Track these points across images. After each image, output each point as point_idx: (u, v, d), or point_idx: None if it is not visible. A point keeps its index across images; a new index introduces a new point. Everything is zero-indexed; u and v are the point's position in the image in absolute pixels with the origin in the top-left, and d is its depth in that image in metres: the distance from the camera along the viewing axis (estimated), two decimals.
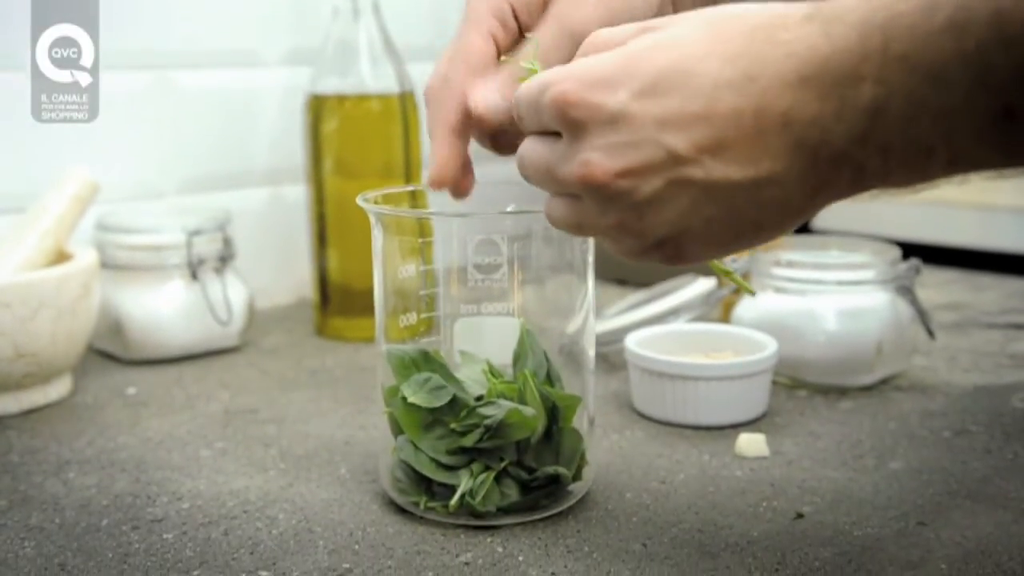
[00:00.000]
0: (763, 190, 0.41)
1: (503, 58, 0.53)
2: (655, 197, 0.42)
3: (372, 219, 0.59)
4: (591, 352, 0.61)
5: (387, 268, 0.59)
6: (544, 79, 0.44)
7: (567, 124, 0.43)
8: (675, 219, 0.42)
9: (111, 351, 0.88)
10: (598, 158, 0.42)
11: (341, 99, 0.92)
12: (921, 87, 0.37)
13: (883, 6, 0.38)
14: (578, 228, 0.45)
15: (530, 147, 0.46)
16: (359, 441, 0.70)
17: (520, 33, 0.57)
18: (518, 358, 0.58)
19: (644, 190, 0.42)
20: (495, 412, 0.55)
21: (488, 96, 0.52)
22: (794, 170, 0.40)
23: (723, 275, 0.53)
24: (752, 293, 0.57)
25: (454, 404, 0.56)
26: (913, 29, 0.37)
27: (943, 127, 0.38)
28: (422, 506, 0.57)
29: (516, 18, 0.56)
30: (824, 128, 0.39)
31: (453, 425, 0.56)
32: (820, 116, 0.39)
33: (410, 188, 0.64)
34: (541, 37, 0.54)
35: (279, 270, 1.05)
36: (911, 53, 0.37)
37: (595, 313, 0.61)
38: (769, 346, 0.74)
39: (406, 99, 0.92)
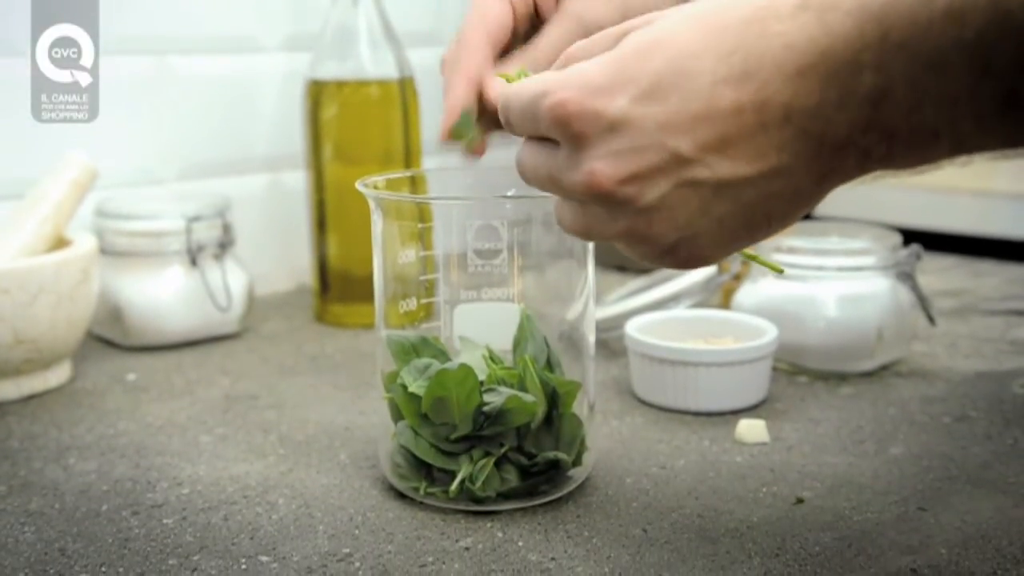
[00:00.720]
0: (771, 183, 0.41)
1: (497, 73, 0.53)
2: (663, 202, 0.41)
3: (372, 204, 0.58)
4: (591, 338, 0.61)
5: (387, 254, 0.59)
6: (539, 87, 0.43)
7: (567, 134, 0.42)
8: (685, 222, 0.42)
9: (111, 337, 0.88)
10: (602, 166, 0.41)
11: (340, 85, 0.91)
12: (922, 75, 0.37)
13: None
14: (588, 235, 0.45)
15: (529, 154, 0.45)
16: (359, 427, 0.70)
17: (536, 13, 0.57)
18: (518, 344, 0.58)
19: (651, 195, 0.41)
20: (495, 398, 0.55)
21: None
22: (800, 160, 0.40)
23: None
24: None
25: None
26: (912, 18, 0.36)
27: (946, 113, 0.37)
28: (422, 491, 0.57)
29: None
30: (827, 118, 0.39)
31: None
32: (822, 106, 0.39)
33: (410, 173, 0.64)
34: (554, 32, 0.54)
35: (279, 256, 1.05)
36: (910, 42, 0.37)
37: (595, 299, 0.61)
38: (769, 332, 0.74)
39: (405, 85, 0.92)
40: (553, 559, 0.52)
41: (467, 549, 0.53)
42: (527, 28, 0.58)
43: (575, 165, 0.42)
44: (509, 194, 0.58)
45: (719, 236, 0.43)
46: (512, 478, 0.56)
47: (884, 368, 0.80)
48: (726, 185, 0.41)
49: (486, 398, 0.55)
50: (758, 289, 0.81)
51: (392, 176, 0.62)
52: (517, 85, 0.45)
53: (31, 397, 0.75)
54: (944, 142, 0.39)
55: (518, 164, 0.46)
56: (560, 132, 0.42)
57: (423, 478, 0.58)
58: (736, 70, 0.39)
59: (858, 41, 0.37)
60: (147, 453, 0.66)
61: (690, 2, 0.43)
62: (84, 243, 0.78)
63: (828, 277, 0.78)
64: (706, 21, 0.40)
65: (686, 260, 0.44)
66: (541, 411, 0.56)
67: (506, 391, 0.55)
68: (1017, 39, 0.35)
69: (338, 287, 0.94)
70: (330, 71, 0.91)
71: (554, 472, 0.58)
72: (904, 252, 0.80)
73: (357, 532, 0.55)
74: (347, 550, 0.53)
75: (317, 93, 0.92)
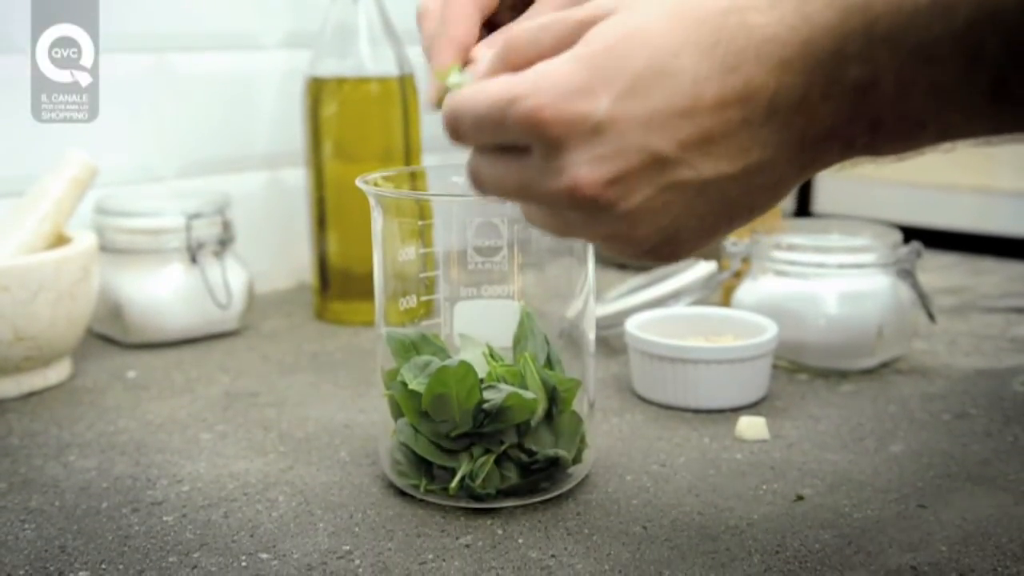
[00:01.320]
0: (755, 177, 0.40)
1: (435, 73, 0.50)
2: (647, 205, 0.40)
3: (372, 201, 0.58)
4: (591, 335, 0.60)
5: (387, 251, 0.59)
6: (501, 93, 0.40)
7: (544, 140, 0.39)
8: (668, 223, 0.41)
9: (111, 335, 0.88)
10: (585, 172, 0.39)
11: (340, 82, 0.91)
12: (910, 65, 0.37)
13: None
14: (564, 235, 0.43)
15: (489, 165, 0.42)
16: (359, 424, 0.70)
17: None
18: (518, 341, 0.58)
19: (634, 199, 0.40)
20: (495, 395, 0.55)
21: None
22: (783, 153, 0.39)
23: None
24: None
25: None
26: (898, 8, 0.36)
27: (933, 103, 0.37)
28: (422, 489, 0.57)
29: None
30: (811, 110, 0.38)
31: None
32: (806, 98, 0.38)
33: (410, 170, 0.64)
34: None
35: (278, 254, 1.05)
36: (897, 33, 0.36)
37: (595, 296, 0.61)
38: (769, 329, 0.74)
39: (406, 82, 0.92)
40: (553, 556, 0.52)
41: (467, 546, 0.53)
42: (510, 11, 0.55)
43: (554, 172, 0.40)
44: None
45: (701, 232, 0.42)
46: (512, 475, 0.56)
47: (884, 365, 0.80)
48: (710, 184, 0.40)
49: (486, 395, 0.55)
50: (758, 286, 0.81)
51: (392, 172, 0.62)
52: (467, 93, 0.41)
53: (31, 394, 0.75)
54: (930, 131, 0.38)
55: (473, 177, 0.43)
56: (535, 138, 0.40)
57: (423, 475, 0.57)
58: (718, 65, 0.38)
59: (841, 32, 0.37)
60: (147, 450, 0.66)
61: None
62: (84, 240, 0.78)
63: (829, 274, 0.78)
64: (682, 13, 0.39)
65: (667, 257, 0.43)
66: (541, 408, 0.56)
67: (506, 388, 0.55)
68: (1007, 27, 0.35)
69: (338, 284, 0.94)
70: (330, 68, 0.91)
71: (554, 469, 0.58)
72: (904, 249, 0.80)
73: (357, 529, 0.55)
74: (347, 547, 0.53)
75: (317, 90, 0.92)
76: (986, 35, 0.35)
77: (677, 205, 0.40)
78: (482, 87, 0.41)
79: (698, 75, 0.38)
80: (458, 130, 0.42)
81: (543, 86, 0.39)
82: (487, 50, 0.48)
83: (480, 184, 0.43)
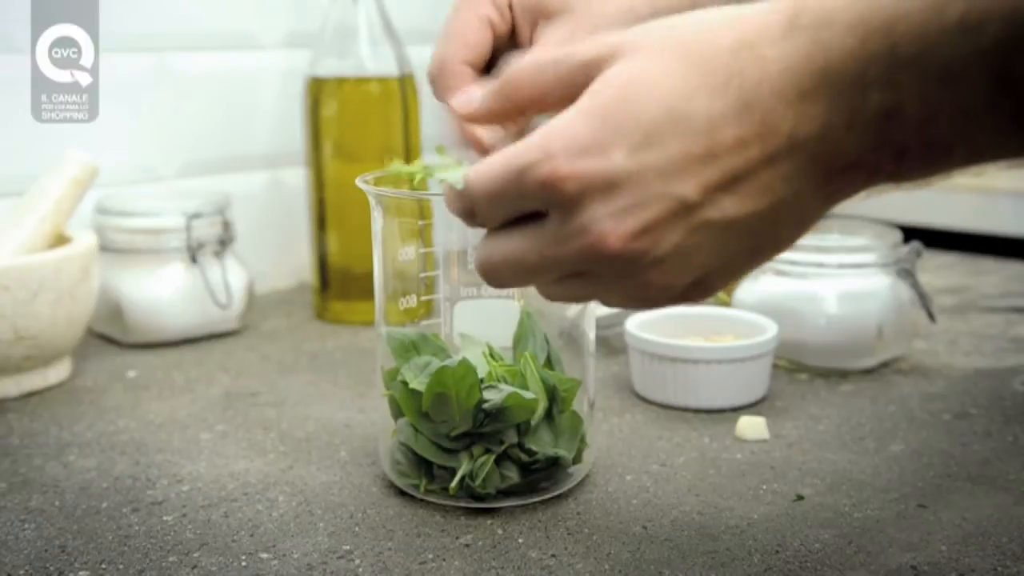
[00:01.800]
0: (781, 212, 0.39)
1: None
2: (677, 250, 0.39)
3: (372, 201, 0.58)
4: (591, 335, 0.60)
5: (387, 251, 0.59)
6: (515, 162, 0.39)
7: (562, 201, 0.39)
8: (701, 263, 0.40)
9: (111, 334, 0.88)
10: (609, 227, 0.38)
11: (340, 82, 0.91)
12: (936, 89, 0.35)
13: (881, 6, 0.36)
14: (588, 300, 0.43)
15: (501, 246, 0.42)
16: (359, 424, 0.70)
17: (512, 28, 0.55)
18: (518, 341, 0.58)
19: (664, 246, 0.39)
20: (495, 395, 0.55)
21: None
22: (808, 186, 0.38)
23: None
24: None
25: None
26: (922, 29, 0.35)
27: (961, 126, 0.36)
28: (422, 488, 0.57)
29: (511, 10, 0.54)
30: (834, 140, 0.37)
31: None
32: (828, 129, 0.37)
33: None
34: (557, 34, 0.52)
35: (279, 254, 1.05)
36: (923, 55, 0.35)
37: None
38: (770, 329, 0.74)
39: (406, 82, 0.92)
40: (553, 556, 0.52)
41: (467, 546, 0.53)
42: (503, 52, 0.56)
43: (577, 232, 0.39)
44: None
45: (729, 270, 0.41)
46: (512, 475, 0.56)
47: (884, 365, 0.80)
48: (737, 223, 0.39)
49: (486, 395, 0.55)
50: (759, 286, 0.81)
51: (392, 172, 0.62)
52: (477, 171, 0.41)
53: (31, 394, 0.75)
54: (958, 155, 0.37)
55: (486, 264, 0.42)
56: (553, 201, 0.39)
57: (423, 475, 0.57)
58: (733, 103, 0.37)
59: (862, 57, 0.36)
60: (147, 450, 0.66)
61: (660, 24, 0.40)
62: (84, 240, 0.78)
63: (829, 274, 0.78)
64: (689, 53, 0.38)
65: (697, 297, 0.42)
66: (541, 408, 0.56)
67: (506, 388, 0.55)
68: None
69: (338, 284, 0.94)
70: (330, 68, 0.91)
71: (554, 469, 0.58)
72: (904, 249, 0.80)
73: (357, 529, 0.55)
74: (347, 547, 0.53)
75: (317, 90, 0.92)
76: (1013, 53, 0.34)
77: (707, 245, 0.39)
78: (490, 163, 0.41)
79: (713, 116, 0.37)
80: (474, 210, 0.42)
81: (555, 146, 0.39)
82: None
83: (495, 272, 0.42)
